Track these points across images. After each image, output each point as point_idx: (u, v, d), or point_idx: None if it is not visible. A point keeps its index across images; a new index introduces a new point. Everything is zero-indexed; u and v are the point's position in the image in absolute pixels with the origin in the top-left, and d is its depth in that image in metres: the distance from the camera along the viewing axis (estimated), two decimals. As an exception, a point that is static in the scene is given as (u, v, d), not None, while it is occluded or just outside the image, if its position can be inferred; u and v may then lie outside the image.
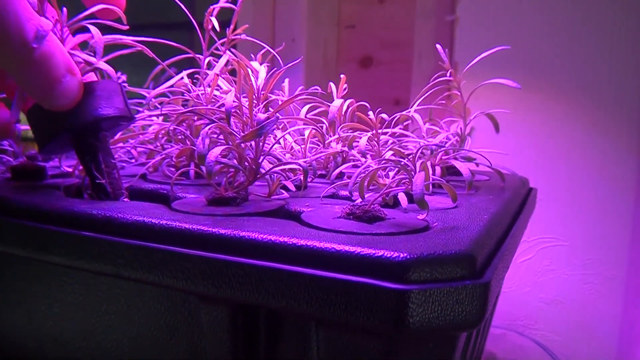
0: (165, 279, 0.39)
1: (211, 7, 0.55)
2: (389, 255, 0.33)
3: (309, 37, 1.11)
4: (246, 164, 0.46)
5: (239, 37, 0.56)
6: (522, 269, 0.93)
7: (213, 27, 0.57)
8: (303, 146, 0.56)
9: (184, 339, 0.44)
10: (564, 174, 0.89)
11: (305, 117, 0.62)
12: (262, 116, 0.43)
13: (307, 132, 0.59)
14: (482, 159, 0.69)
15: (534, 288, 0.92)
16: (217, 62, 0.54)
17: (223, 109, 0.43)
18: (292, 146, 0.57)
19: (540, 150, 0.90)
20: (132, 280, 0.41)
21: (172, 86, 0.55)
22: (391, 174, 0.49)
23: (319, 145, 0.61)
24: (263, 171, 0.47)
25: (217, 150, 0.40)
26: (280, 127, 0.58)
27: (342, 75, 0.65)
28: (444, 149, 0.63)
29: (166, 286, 0.40)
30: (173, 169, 0.56)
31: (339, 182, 0.51)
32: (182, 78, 0.55)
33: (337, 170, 0.53)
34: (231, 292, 0.37)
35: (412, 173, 0.41)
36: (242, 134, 0.44)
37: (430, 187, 0.56)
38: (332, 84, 0.67)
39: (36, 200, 0.47)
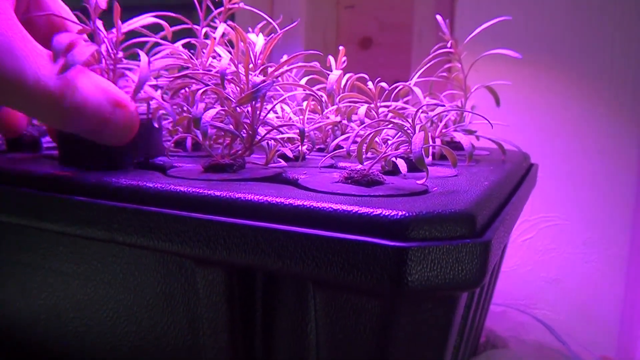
0: (160, 243, 0.39)
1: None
2: (387, 214, 0.33)
3: (308, 17, 1.10)
4: (243, 131, 0.45)
5: (236, 5, 0.55)
6: (523, 248, 0.92)
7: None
8: (301, 117, 0.55)
9: (181, 306, 0.44)
10: (564, 151, 0.88)
11: (310, 89, 0.61)
12: (257, 79, 0.42)
13: (305, 104, 0.58)
14: (484, 133, 0.68)
15: (535, 267, 0.92)
16: (214, 33, 0.53)
17: (218, 73, 0.42)
18: (290, 117, 0.56)
19: (540, 126, 0.89)
20: (127, 245, 0.40)
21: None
22: (391, 140, 0.48)
23: (318, 117, 0.60)
24: (264, 139, 0.46)
25: (212, 112, 0.39)
26: (279, 99, 0.57)
27: (340, 47, 0.64)
28: (443, 121, 0.62)
29: (161, 250, 0.39)
30: (170, 143, 0.55)
31: (337, 152, 0.50)
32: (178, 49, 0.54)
33: (336, 142, 0.53)
34: (227, 254, 0.36)
35: (411, 135, 0.40)
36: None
37: (430, 157, 0.55)
38: (330, 57, 0.66)
39: (30, 167, 0.46)
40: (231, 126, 0.45)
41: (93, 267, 0.47)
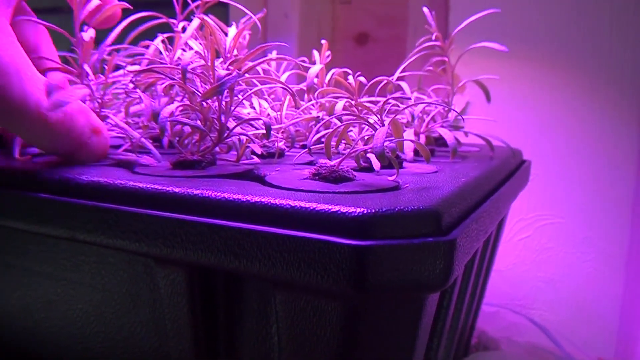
0: (119, 241, 0.37)
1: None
2: (344, 211, 0.31)
3: (302, 12, 1.08)
4: (212, 127, 0.44)
5: (211, -1, 0.54)
6: (520, 247, 0.90)
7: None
8: (279, 113, 0.54)
9: (147, 306, 0.42)
10: (561, 148, 0.86)
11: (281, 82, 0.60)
12: (222, 72, 0.41)
13: (287, 100, 0.57)
14: (472, 129, 0.66)
15: (532, 267, 0.90)
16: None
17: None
18: (268, 112, 0.55)
19: (536, 123, 0.87)
20: (87, 243, 0.39)
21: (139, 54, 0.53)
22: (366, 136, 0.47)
23: (300, 114, 0.59)
24: (232, 135, 0.45)
25: (172, 106, 0.38)
26: (246, 94, 0.56)
27: (323, 41, 0.62)
28: (430, 116, 0.61)
29: (121, 249, 0.38)
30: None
31: (318, 148, 0.49)
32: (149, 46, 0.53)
33: (314, 137, 0.51)
34: (184, 253, 0.35)
35: (384, 128, 0.39)
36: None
37: (412, 153, 0.53)
38: (315, 52, 0.64)
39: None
40: (199, 122, 0.44)
41: (62, 266, 0.46)
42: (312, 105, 0.56)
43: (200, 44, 0.49)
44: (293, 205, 0.32)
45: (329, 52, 0.65)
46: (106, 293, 0.44)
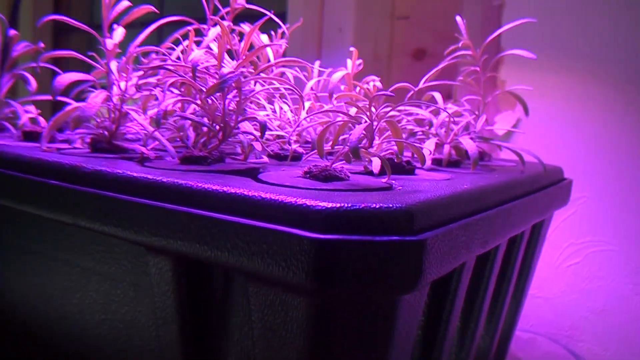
0: (114, 229, 0.39)
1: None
2: (309, 204, 0.31)
3: (357, 27, 1.08)
4: (217, 125, 0.45)
5: (240, 5, 0.56)
6: (569, 273, 0.85)
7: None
8: (296, 117, 0.54)
9: (147, 296, 0.44)
10: (616, 173, 0.81)
11: (311, 90, 0.60)
12: (225, 71, 0.42)
13: (307, 104, 0.57)
14: (526, 146, 0.64)
15: (581, 296, 0.84)
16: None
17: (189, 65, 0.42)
18: (287, 116, 0.55)
19: (591, 146, 0.82)
20: (89, 229, 0.41)
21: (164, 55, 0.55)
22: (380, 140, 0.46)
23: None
24: (238, 133, 0.45)
25: (170, 100, 0.39)
26: (278, 95, 0.57)
27: (352, 49, 0.62)
28: (458, 126, 0.59)
29: (115, 236, 0.39)
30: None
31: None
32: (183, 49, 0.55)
33: (319, 140, 0.51)
34: (167, 241, 0.36)
35: (371, 130, 0.38)
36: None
37: (429, 161, 0.52)
38: (348, 60, 0.64)
39: (20, 151, 0.49)
40: (205, 119, 0.45)
41: (75, 253, 0.49)
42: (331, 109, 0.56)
43: (216, 47, 0.50)
44: (263, 197, 0.33)
45: (360, 61, 0.65)
46: (112, 282, 0.46)
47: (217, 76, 0.44)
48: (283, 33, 0.66)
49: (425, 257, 0.31)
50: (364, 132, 0.36)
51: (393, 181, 0.41)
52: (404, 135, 0.60)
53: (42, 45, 0.65)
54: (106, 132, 0.52)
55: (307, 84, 0.61)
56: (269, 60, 0.59)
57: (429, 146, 0.53)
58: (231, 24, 0.56)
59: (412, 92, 0.62)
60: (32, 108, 0.63)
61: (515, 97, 0.63)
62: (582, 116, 0.83)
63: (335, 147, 0.44)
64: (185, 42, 0.55)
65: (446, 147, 0.56)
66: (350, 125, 0.59)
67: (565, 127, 0.85)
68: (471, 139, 0.60)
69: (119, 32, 0.52)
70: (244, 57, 0.45)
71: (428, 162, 0.52)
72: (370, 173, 0.46)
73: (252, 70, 0.47)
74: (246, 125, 0.48)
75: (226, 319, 0.39)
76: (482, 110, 0.60)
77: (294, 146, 0.52)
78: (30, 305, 0.55)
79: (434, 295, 0.43)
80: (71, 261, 0.49)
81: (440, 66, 0.60)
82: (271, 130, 0.51)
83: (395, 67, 1.20)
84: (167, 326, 0.40)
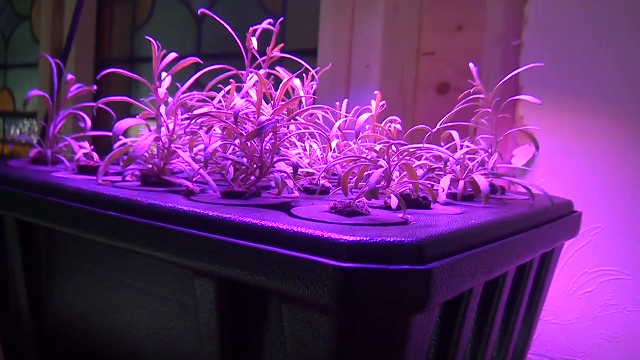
0: (166, 254, 0.45)
1: (251, 28, 0.62)
2: (334, 237, 0.37)
3: (383, 63, 1.15)
4: (254, 164, 0.51)
5: (277, 54, 0.62)
6: (583, 301, 0.89)
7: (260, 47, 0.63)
8: (324, 154, 0.61)
9: (191, 313, 0.50)
10: (628, 205, 0.85)
11: (338, 129, 0.66)
12: (263, 118, 0.48)
13: (334, 143, 0.64)
14: (541, 179, 0.69)
15: (594, 323, 0.88)
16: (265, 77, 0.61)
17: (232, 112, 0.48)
18: (316, 154, 0.61)
19: (603, 178, 0.87)
20: (143, 254, 0.48)
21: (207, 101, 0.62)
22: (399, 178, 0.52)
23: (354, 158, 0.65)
24: (273, 171, 0.52)
25: (216, 144, 0.46)
26: (306, 137, 0.63)
27: (376, 92, 0.69)
28: (472, 163, 0.65)
29: (167, 260, 0.46)
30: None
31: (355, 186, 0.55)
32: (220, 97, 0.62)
33: (343, 177, 0.57)
34: (213, 266, 0.42)
35: (389, 173, 0.44)
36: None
37: (444, 196, 0.58)
38: (373, 101, 0.70)
39: (79, 184, 0.56)
40: (245, 159, 0.51)
41: (128, 274, 0.55)
42: (355, 148, 0.62)
43: (256, 94, 0.57)
44: (296, 230, 0.39)
45: (383, 102, 0.71)
46: (160, 300, 0.53)
47: (255, 122, 0.50)
48: (313, 76, 0.73)
49: (431, 283, 0.37)
50: (382, 174, 0.42)
51: (409, 216, 0.47)
52: (422, 170, 0.66)
53: (95, 87, 0.73)
54: (155, 168, 0.59)
55: (334, 123, 0.67)
56: (300, 102, 0.65)
57: (444, 182, 0.59)
58: (267, 70, 0.62)
59: (429, 133, 0.68)
60: (85, 144, 0.70)
61: (527, 135, 0.68)
62: (597, 152, 0.87)
63: (359, 183, 0.50)
64: (227, 88, 0.62)
65: (461, 183, 0.62)
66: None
67: (581, 162, 0.89)
68: (484, 175, 0.65)
69: (167, 81, 0.59)
70: (279, 106, 0.51)
71: (442, 198, 0.57)
72: (389, 208, 0.51)
73: (285, 114, 0.54)
74: (280, 164, 0.55)
75: (261, 335, 0.45)
76: (494, 148, 0.65)
77: (322, 181, 0.58)
78: (85, 320, 0.61)
79: (446, 317, 0.48)
80: (124, 282, 0.56)
81: (455, 109, 0.65)
82: (301, 167, 0.57)
83: (421, 101, 1.25)
84: (209, 341, 0.46)
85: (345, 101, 0.76)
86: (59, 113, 0.75)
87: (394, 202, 0.48)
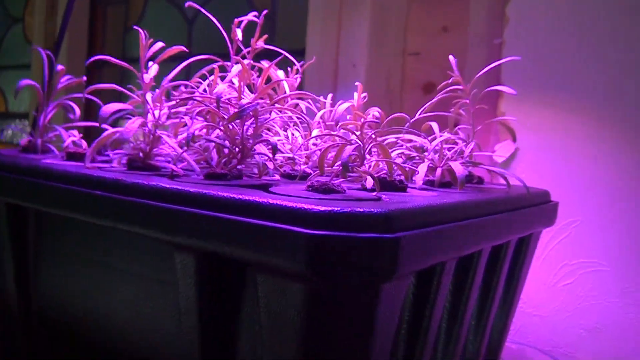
0: (147, 230, 0.47)
1: (236, 20, 0.64)
2: (307, 207, 0.39)
3: (369, 63, 1.17)
4: (236, 147, 0.53)
5: (260, 46, 0.64)
6: (564, 293, 0.91)
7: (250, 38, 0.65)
8: (305, 142, 0.62)
9: (171, 291, 0.51)
10: (607, 199, 0.87)
11: (320, 119, 0.68)
12: (244, 102, 0.50)
13: (316, 131, 0.65)
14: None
15: (575, 314, 0.89)
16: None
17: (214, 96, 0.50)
18: (298, 142, 0.63)
19: (582, 172, 0.89)
20: (126, 232, 0.49)
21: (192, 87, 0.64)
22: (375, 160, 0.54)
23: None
24: (254, 154, 0.53)
25: (197, 125, 0.47)
26: (292, 124, 0.65)
27: (357, 83, 0.71)
28: (449, 153, 0.66)
29: (148, 236, 0.47)
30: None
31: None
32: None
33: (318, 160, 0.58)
34: (191, 240, 0.44)
35: (362, 150, 0.46)
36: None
37: (421, 181, 0.59)
38: (355, 93, 0.72)
39: (67, 168, 0.57)
40: (227, 142, 0.53)
41: (112, 256, 0.57)
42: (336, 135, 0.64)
43: (238, 82, 0.59)
44: (271, 202, 0.40)
45: (365, 94, 0.73)
46: (141, 280, 0.54)
47: (237, 106, 0.52)
48: (297, 70, 0.75)
49: (399, 252, 0.38)
50: (355, 152, 0.44)
51: (383, 195, 0.49)
52: (402, 159, 0.68)
53: (84, 78, 0.74)
54: (141, 153, 0.60)
55: (316, 113, 0.69)
56: (283, 91, 0.67)
57: (421, 169, 0.61)
58: (252, 62, 0.64)
59: (408, 123, 0.70)
60: (75, 132, 0.72)
61: (504, 126, 0.70)
62: (576, 147, 0.90)
63: (335, 166, 0.51)
64: (211, 77, 0.64)
65: (438, 170, 0.64)
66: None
67: (560, 156, 0.91)
68: (462, 163, 0.67)
69: (154, 69, 0.61)
70: (260, 90, 0.53)
71: (419, 182, 0.59)
72: (366, 189, 0.53)
73: (269, 102, 0.56)
74: (262, 149, 0.56)
75: (239, 307, 0.46)
76: (472, 137, 0.67)
77: (303, 167, 0.60)
78: (72, 303, 0.63)
79: (418, 293, 0.50)
80: (108, 263, 0.57)
81: (434, 100, 0.67)
82: (283, 152, 0.59)
83: (407, 100, 1.28)
84: (188, 315, 0.48)
85: (329, 95, 0.78)
86: (49, 104, 0.76)
87: (369, 182, 0.50)
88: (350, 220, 0.38)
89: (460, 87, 0.68)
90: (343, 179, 0.50)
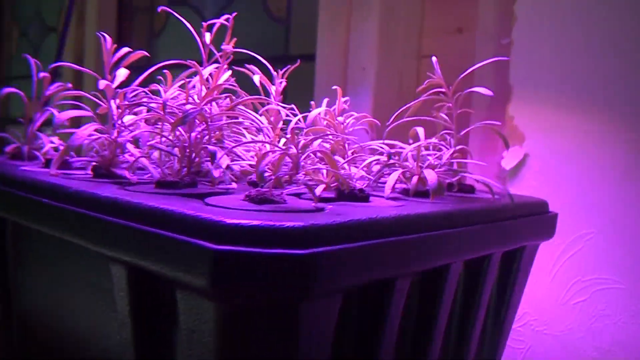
0: (84, 241, 0.46)
1: (205, 23, 0.62)
2: (216, 219, 0.36)
3: (380, 66, 1.13)
4: (186, 154, 0.51)
5: (229, 48, 0.62)
6: (576, 311, 0.84)
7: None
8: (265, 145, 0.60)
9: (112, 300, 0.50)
10: (623, 208, 0.80)
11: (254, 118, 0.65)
12: (188, 107, 0.48)
13: (282, 141, 0.63)
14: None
15: (588, 334, 0.83)
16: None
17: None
18: (266, 148, 0.61)
19: (597, 181, 0.82)
20: (70, 242, 0.48)
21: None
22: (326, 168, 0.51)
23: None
24: (204, 161, 0.51)
25: (137, 131, 0.46)
26: (253, 130, 0.62)
27: (335, 87, 0.67)
28: (428, 161, 0.62)
29: (86, 247, 0.46)
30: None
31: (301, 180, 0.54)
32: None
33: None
34: (117, 252, 0.42)
35: (296, 158, 0.43)
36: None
37: (389, 191, 0.56)
38: (313, 103, 0.69)
39: (29, 175, 0.57)
40: (177, 149, 0.51)
41: (71, 265, 0.56)
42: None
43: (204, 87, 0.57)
44: (180, 212, 0.38)
45: (346, 98, 0.70)
46: (94, 289, 0.53)
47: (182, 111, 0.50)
48: (284, 74, 0.73)
49: (315, 270, 0.35)
50: (276, 159, 0.41)
51: (329, 206, 0.46)
52: (379, 166, 0.64)
53: (70, 85, 0.74)
54: (105, 160, 0.59)
55: (292, 120, 0.66)
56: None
57: (391, 177, 0.57)
58: (225, 66, 0.62)
59: (389, 127, 0.66)
60: (55, 139, 0.72)
61: (494, 131, 0.66)
62: (590, 154, 0.83)
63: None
64: (180, 82, 0.62)
65: (414, 178, 0.60)
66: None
67: (573, 164, 0.85)
68: (444, 171, 0.63)
69: (122, 74, 0.59)
70: (204, 96, 0.51)
71: (387, 191, 0.56)
72: (324, 200, 0.50)
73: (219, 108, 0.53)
74: (224, 157, 0.54)
75: (169, 322, 0.44)
76: (454, 143, 0.63)
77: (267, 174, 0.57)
78: (45, 315, 0.62)
79: (365, 313, 0.46)
80: (69, 273, 0.56)
81: (414, 102, 0.64)
82: (245, 159, 0.57)
83: (423, 103, 1.23)
84: (124, 327, 0.46)
85: (312, 102, 0.75)
86: (37, 112, 0.77)
87: (317, 191, 0.47)
88: (258, 234, 0.35)
89: (442, 89, 0.64)
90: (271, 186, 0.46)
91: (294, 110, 0.71)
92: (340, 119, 0.67)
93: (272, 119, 0.55)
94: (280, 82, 0.73)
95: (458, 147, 0.67)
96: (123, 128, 0.59)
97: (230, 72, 0.57)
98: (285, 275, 0.35)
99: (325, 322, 0.40)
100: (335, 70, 1.17)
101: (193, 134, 0.50)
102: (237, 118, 0.59)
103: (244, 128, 0.65)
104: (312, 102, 0.73)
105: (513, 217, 0.59)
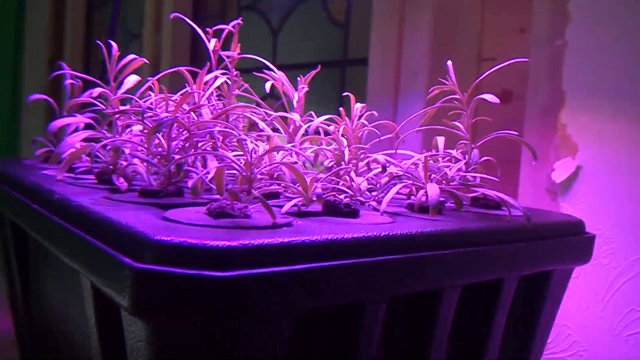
0: (58, 249, 0.46)
1: (210, 30, 0.61)
2: (148, 235, 0.34)
3: (431, 71, 1.08)
4: (166, 163, 0.50)
5: (235, 55, 0.61)
6: (629, 344, 0.74)
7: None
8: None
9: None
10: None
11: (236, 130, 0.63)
12: (163, 115, 0.47)
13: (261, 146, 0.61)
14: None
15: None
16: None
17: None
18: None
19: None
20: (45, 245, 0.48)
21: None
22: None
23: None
24: (187, 169, 0.50)
25: (120, 139, 0.45)
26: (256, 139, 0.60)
27: (346, 93, 0.64)
28: (442, 172, 0.58)
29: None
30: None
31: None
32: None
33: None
34: (80, 263, 0.42)
35: (249, 170, 0.40)
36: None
37: (385, 205, 0.52)
38: (342, 109, 0.66)
39: (35, 180, 0.58)
40: (156, 158, 0.50)
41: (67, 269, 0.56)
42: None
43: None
44: (132, 226, 0.37)
45: (361, 105, 0.66)
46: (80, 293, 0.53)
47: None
48: (306, 79, 0.71)
49: (233, 294, 0.33)
50: (222, 170, 0.38)
51: (299, 222, 0.43)
52: (386, 179, 0.60)
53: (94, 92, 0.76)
54: (110, 167, 0.60)
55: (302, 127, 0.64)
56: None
57: (391, 192, 0.53)
58: (232, 73, 0.61)
59: (394, 133, 0.62)
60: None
61: (518, 140, 0.59)
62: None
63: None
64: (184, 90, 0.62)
65: (420, 192, 0.55)
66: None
67: (631, 178, 0.76)
68: (456, 186, 0.58)
69: (132, 80, 0.59)
70: (177, 104, 0.49)
71: (383, 206, 0.52)
72: (306, 214, 0.47)
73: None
74: (214, 164, 0.53)
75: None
76: (470, 153, 0.58)
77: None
78: (58, 320, 0.64)
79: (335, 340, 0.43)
80: (66, 276, 0.57)
81: (425, 110, 0.59)
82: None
83: (481, 109, 1.16)
84: (91, 333, 0.45)
85: (341, 109, 0.72)
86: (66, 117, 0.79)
87: (287, 206, 0.44)
88: (180, 253, 0.33)
89: (456, 96, 0.59)
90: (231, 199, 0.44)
91: (311, 117, 0.69)
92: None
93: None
94: (302, 88, 0.70)
95: (482, 159, 0.61)
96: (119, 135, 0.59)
97: (224, 78, 0.55)
98: (199, 299, 0.32)
99: (269, 344, 0.37)
100: (387, 75, 1.13)
101: (174, 143, 0.49)
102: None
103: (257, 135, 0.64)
104: (341, 109, 0.70)
105: (531, 238, 0.53)
